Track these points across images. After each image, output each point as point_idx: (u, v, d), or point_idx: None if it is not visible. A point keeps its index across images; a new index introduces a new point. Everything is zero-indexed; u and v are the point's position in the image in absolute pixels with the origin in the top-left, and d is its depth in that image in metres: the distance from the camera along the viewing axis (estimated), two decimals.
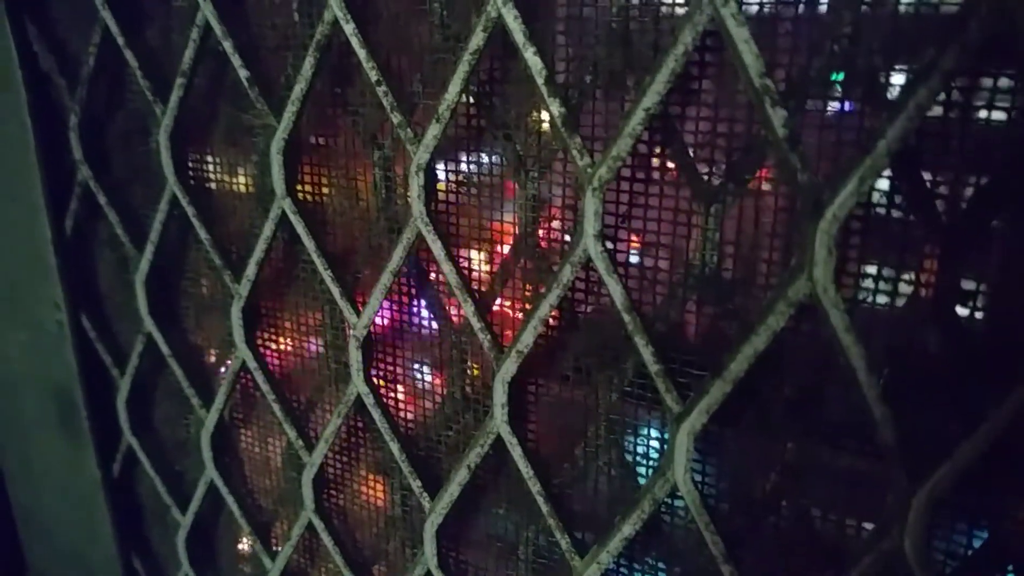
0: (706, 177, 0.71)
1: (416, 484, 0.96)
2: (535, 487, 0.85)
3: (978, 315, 0.64)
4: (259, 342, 1.10)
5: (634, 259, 0.77)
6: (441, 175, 0.86)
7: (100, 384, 1.34)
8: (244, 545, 1.31)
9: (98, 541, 1.46)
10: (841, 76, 0.64)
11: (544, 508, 0.86)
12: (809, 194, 0.62)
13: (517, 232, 0.83)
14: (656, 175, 0.73)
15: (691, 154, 0.72)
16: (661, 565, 0.84)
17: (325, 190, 0.97)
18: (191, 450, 1.27)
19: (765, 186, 0.69)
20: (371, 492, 1.08)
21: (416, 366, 0.98)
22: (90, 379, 1.35)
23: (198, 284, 1.19)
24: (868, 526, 0.70)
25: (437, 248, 0.84)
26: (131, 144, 1.17)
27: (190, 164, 1.09)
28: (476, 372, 0.93)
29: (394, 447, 0.96)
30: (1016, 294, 0.63)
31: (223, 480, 1.21)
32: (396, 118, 0.83)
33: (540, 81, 0.72)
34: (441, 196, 0.86)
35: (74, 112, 1.17)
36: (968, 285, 0.64)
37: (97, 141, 1.19)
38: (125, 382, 1.29)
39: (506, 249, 0.85)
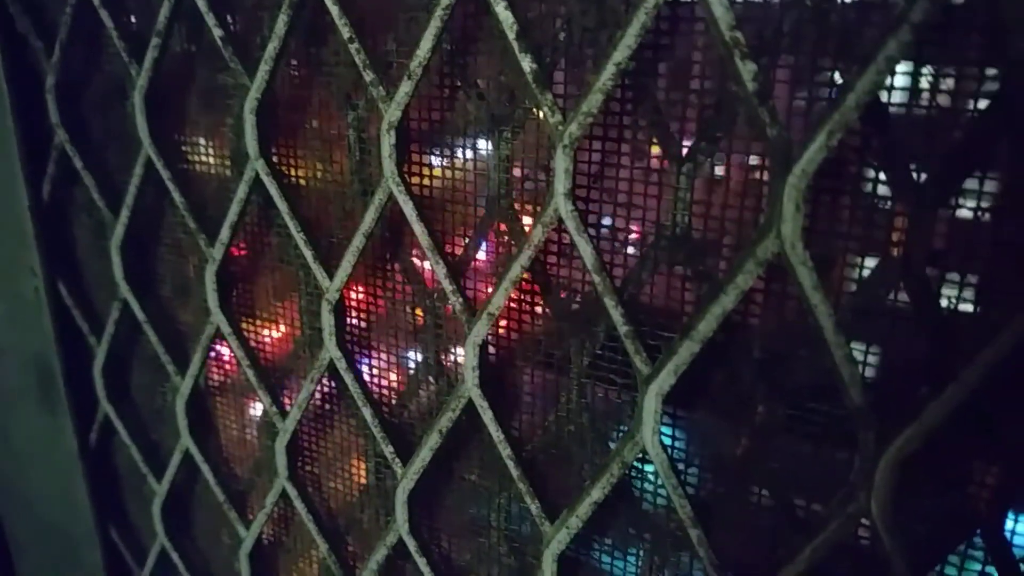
0: (677, 135, 0.70)
1: (388, 450, 0.96)
2: (506, 451, 0.85)
3: (949, 278, 0.64)
4: (233, 307, 1.09)
5: (605, 220, 0.76)
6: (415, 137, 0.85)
7: (77, 352, 1.34)
8: (220, 513, 1.30)
9: (76, 512, 1.46)
10: None
11: (514, 473, 0.85)
12: (778, 149, 0.61)
13: (490, 193, 0.83)
14: (627, 133, 0.73)
15: (662, 111, 0.71)
16: (631, 530, 0.83)
17: (299, 152, 0.96)
18: (167, 418, 1.26)
19: (736, 144, 0.68)
20: (345, 459, 1.07)
21: (389, 331, 0.97)
22: (67, 347, 1.34)
23: (175, 250, 1.18)
24: (836, 490, 0.70)
25: (408, 208, 0.83)
26: (108, 107, 1.16)
27: (166, 127, 1.08)
28: (449, 337, 0.92)
29: (366, 412, 0.96)
30: (986, 256, 0.63)
31: (198, 448, 1.21)
32: (369, 76, 0.82)
33: (511, 36, 0.71)
34: (415, 157, 0.85)
35: (51, 75, 1.16)
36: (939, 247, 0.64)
37: (74, 104, 1.18)
38: (101, 349, 1.28)
39: (479, 211, 0.84)
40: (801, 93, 0.63)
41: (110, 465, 1.42)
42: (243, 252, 1.07)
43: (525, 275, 0.79)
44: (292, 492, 1.09)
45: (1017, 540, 0.65)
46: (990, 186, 0.61)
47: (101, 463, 1.42)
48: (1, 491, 1.60)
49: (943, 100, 0.60)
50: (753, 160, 0.67)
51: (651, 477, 0.79)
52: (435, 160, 0.85)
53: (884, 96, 0.60)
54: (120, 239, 1.16)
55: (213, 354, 1.18)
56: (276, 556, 1.22)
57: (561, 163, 0.71)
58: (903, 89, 0.60)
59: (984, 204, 0.61)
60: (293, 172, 0.97)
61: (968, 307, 0.63)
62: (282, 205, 0.94)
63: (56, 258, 1.29)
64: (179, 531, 1.34)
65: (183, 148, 1.09)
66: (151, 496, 1.33)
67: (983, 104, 0.59)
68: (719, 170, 0.69)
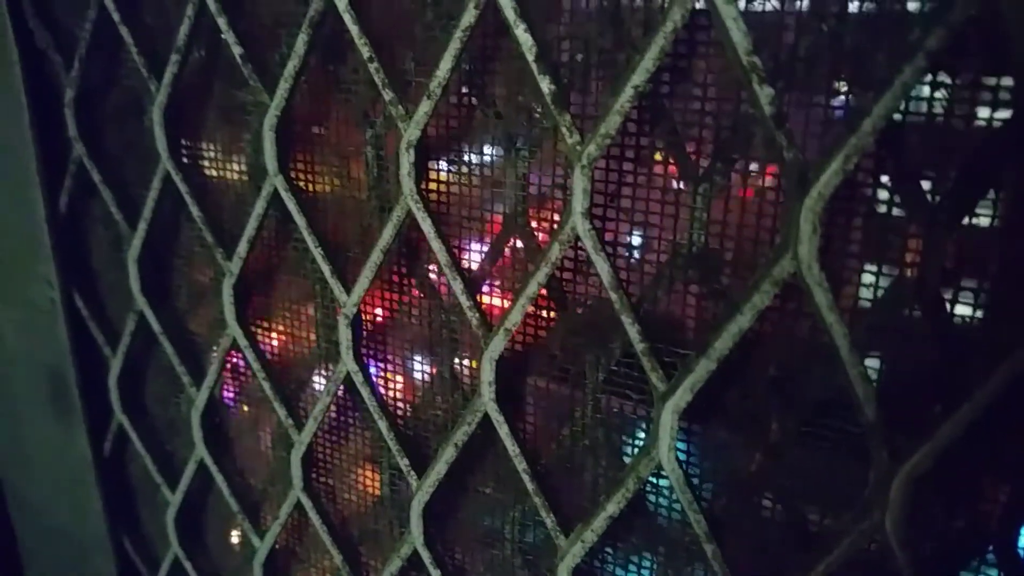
0: (694, 157, 0.72)
1: (404, 462, 0.97)
2: (521, 465, 0.86)
3: (963, 297, 0.64)
4: (250, 320, 1.10)
5: (622, 238, 0.77)
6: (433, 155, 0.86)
7: (92, 363, 1.35)
8: (234, 524, 1.31)
9: (88, 520, 1.47)
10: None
11: (530, 486, 0.86)
12: (795, 172, 0.62)
13: (507, 211, 0.84)
14: (645, 154, 0.74)
15: (679, 133, 0.72)
16: (646, 544, 0.84)
17: (317, 168, 0.97)
18: (182, 429, 1.27)
19: (753, 166, 0.69)
20: (360, 471, 1.08)
21: (406, 345, 0.98)
22: (82, 357, 1.35)
23: (191, 262, 1.19)
24: (850, 506, 0.71)
25: (427, 226, 0.84)
26: (126, 121, 1.17)
27: (184, 142, 1.09)
28: (465, 352, 0.93)
29: (382, 425, 0.97)
30: (1000, 273, 0.64)
31: (213, 459, 1.22)
32: (388, 95, 0.83)
33: (530, 58, 0.73)
34: (432, 175, 0.87)
35: (69, 89, 1.17)
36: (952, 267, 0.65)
37: (92, 118, 1.19)
38: (117, 360, 1.29)
39: (497, 228, 0.85)
40: (818, 116, 0.64)
41: (123, 474, 1.43)
42: (260, 266, 1.08)
43: (542, 291, 0.80)
44: (307, 503, 1.10)
45: None
46: (1004, 203, 0.62)
47: (114, 472, 1.43)
48: (14, 499, 1.61)
49: (958, 117, 0.61)
50: (769, 182, 0.68)
51: (666, 492, 0.80)
52: (453, 178, 0.86)
53: (899, 116, 0.61)
54: (137, 252, 1.17)
55: (228, 366, 1.19)
56: (290, 566, 1.23)
57: (579, 183, 0.73)
58: (917, 114, 0.61)
59: (997, 222, 0.62)
60: (311, 188, 0.98)
61: (982, 325, 0.64)
62: (300, 220, 0.95)
63: (72, 269, 1.31)
64: (192, 540, 1.35)
65: (201, 163, 1.10)
66: (164, 505, 1.34)
67: (998, 121, 0.60)
68: (735, 191, 0.70)
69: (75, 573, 1.57)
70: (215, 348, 1.16)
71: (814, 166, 0.61)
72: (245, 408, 1.22)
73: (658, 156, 0.73)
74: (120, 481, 1.44)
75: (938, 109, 0.61)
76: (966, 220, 0.63)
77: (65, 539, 1.55)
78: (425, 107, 0.80)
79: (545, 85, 0.73)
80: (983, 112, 0.60)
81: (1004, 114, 0.59)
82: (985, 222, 0.63)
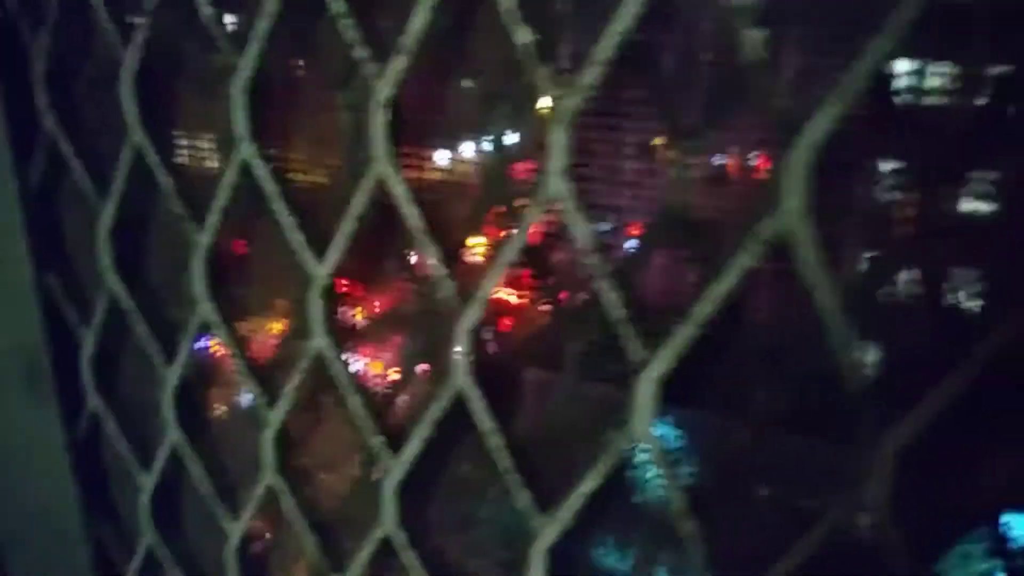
0: (679, 110, 0.68)
1: (377, 441, 0.93)
2: (495, 442, 0.82)
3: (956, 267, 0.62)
4: (222, 296, 1.07)
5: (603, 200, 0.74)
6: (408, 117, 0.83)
7: (66, 343, 1.31)
8: (209, 507, 1.28)
9: (64, 504, 1.43)
10: None
11: (505, 464, 0.83)
12: (783, 123, 0.59)
13: (485, 172, 0.81)
14: (627, 108, 0.71)
15: (666, 85, 0.69)
16: (624, 523, 0.81)
17: (290, 135, 0.94)
18: (157, 411, 1.24)
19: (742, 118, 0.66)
20: (334, 452, 1.05)
21: (381, 320, 0.95)
22: (56, 338, 1.31)
23: (164, 238, 1.16)
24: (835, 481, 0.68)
25: (400, 190, 0.81)
26: (98, 92, 1.14)
27: (155, 111, 1.06)
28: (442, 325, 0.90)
29: (356, 402, 0.93)
30: (992, 244, 0.61)
31: (187, 441, 1.18)
32: (361, 53, 0.80)
33: (507, 6, 0.69)
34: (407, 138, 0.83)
35: (39, 59, 1.14)
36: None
37: (63, 89, 1.16)
38: (89, 340, 1.26)
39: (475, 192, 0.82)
40: (807, 64, 0.61)
41: (99, 459, 1.40)
42: (234, 239, 1.05)
43: (520, 259, 0.77)
44: (280, 486, 1.07)
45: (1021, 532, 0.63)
46: (993, 177, 0.59)
47: (89, 457, 1.39)
48: None
49: (951, 86, 0.59)
50: (757, 135, 0.65)
51: (645, 468, 0.77)
52: (429, 141, 0.83)
53: (893, 82, 0.59)
54: (108, 227, 1.14)
55: (203, 345, 1.16)
56: (265, 550, 1.20)
57: (558, 139, 0.69)
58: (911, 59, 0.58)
59: (990, 193, 0.60)
60: (284, 155, 0.95)
61: (973, 295, 0.61)
62: (272, 189, 0.92)
63: (45, 247, 1.27)
64: (168, 526, 1.32)
65: (173, 133, 1.07)
66: (140, 488, 1.30)
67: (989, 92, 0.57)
68: (724, 145, 0.67)
69: (52, 559, 1.54)
70: (188, 326, 1.12)
71: (803, 115, 0.58)
72: (220, 388, 1.19)
73: (642, 110, 0.70)
74: (95, 465, 1.40)
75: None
76: (959, 189, 0.61)
77: (41, 523, 1.51)
78: (399, 64, 0.77)
79: (521, 36, 0.69)
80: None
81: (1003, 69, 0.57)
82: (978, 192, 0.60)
